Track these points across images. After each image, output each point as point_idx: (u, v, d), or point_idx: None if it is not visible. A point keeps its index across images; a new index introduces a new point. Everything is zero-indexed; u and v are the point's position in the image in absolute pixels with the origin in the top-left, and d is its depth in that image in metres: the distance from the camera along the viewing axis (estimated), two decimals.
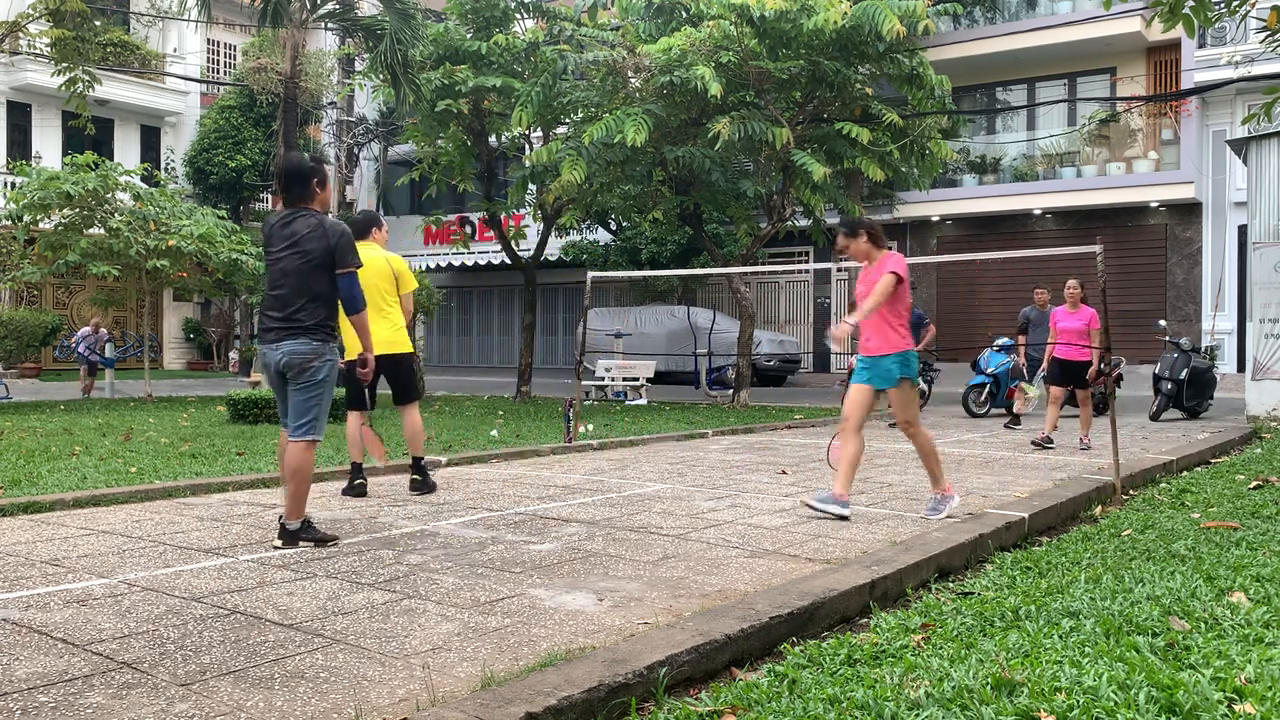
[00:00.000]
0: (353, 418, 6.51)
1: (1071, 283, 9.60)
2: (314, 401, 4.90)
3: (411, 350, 6.55)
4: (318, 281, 4.86)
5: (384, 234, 6.65)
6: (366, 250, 6.07)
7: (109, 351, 18.60)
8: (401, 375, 6.53)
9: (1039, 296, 12.83)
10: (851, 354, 7.64)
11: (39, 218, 16.07)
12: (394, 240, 30.71)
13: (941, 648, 3.29)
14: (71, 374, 23.09)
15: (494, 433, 10.74)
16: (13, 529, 5.37)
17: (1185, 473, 8.04)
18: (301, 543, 4.84)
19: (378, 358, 5.85)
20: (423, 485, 6.62)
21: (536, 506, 6.21)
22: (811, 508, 5.73)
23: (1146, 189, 20.93)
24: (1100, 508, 6.29)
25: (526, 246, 19.77)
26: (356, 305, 4.97)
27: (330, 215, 5.07)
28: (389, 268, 6.45)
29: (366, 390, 6.45)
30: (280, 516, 4.92)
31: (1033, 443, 9.68)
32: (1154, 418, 12.99)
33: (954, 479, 7.47)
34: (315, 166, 5.02)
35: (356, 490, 6.47)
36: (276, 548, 4.81)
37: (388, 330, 6.33)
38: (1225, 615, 3.58)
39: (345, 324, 5.70)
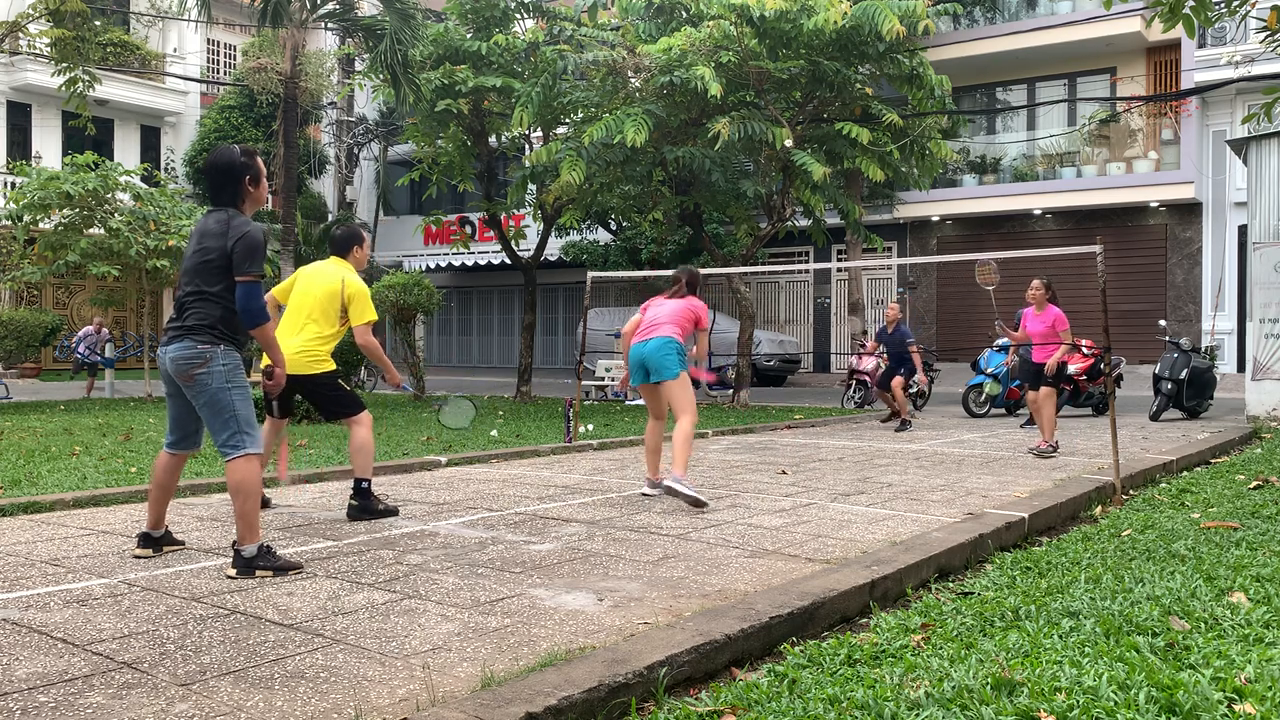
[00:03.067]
0: (268, 425, 5.89)
1: (1035, 282, 8.95)
2: (223, 410, 4.30)
3: (328, 370, 5.79)
4: (211, 282, 4.33)
5: (365, 252, 6.08)
6: (328, 267, 5.79)
7: (109, 351, 18.61)
8: (318, 395, 5.86)
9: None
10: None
11: (39, 218, 16.07)
12: (394, 240, 30.83)
13: (941, 648, 3.29)
14: (69, 375, 23.09)
15: (494, 433, 10.74)
16: (13, 529, 5.37)
17: (1185, 473, 8.04)
18: (259, 573, 4.24)
19: (291, 376, 5.33)
20: (360, 511, 5.69)
21: (536, 506, 6.21)
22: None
23: (1146, 189, 20.94)
24: (1100, 508, 6.29)
25: (526, 246, 19.77)
26: (253, 318, 4.35)
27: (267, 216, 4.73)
28: (340, 291, 5.79)
29: (276, 403, 5.87)
30: (234, 543, 4.37)
31: (1038, 453, 8.96)
32: (1154, 418, 12.99)
33: (954, 479, 7.47)
34: (246, 162, 4.44)
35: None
36: (230, 577, 4.23)
37: (295, 348, 5.65)
38: (1225, 615, 3.58)
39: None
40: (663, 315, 6.60)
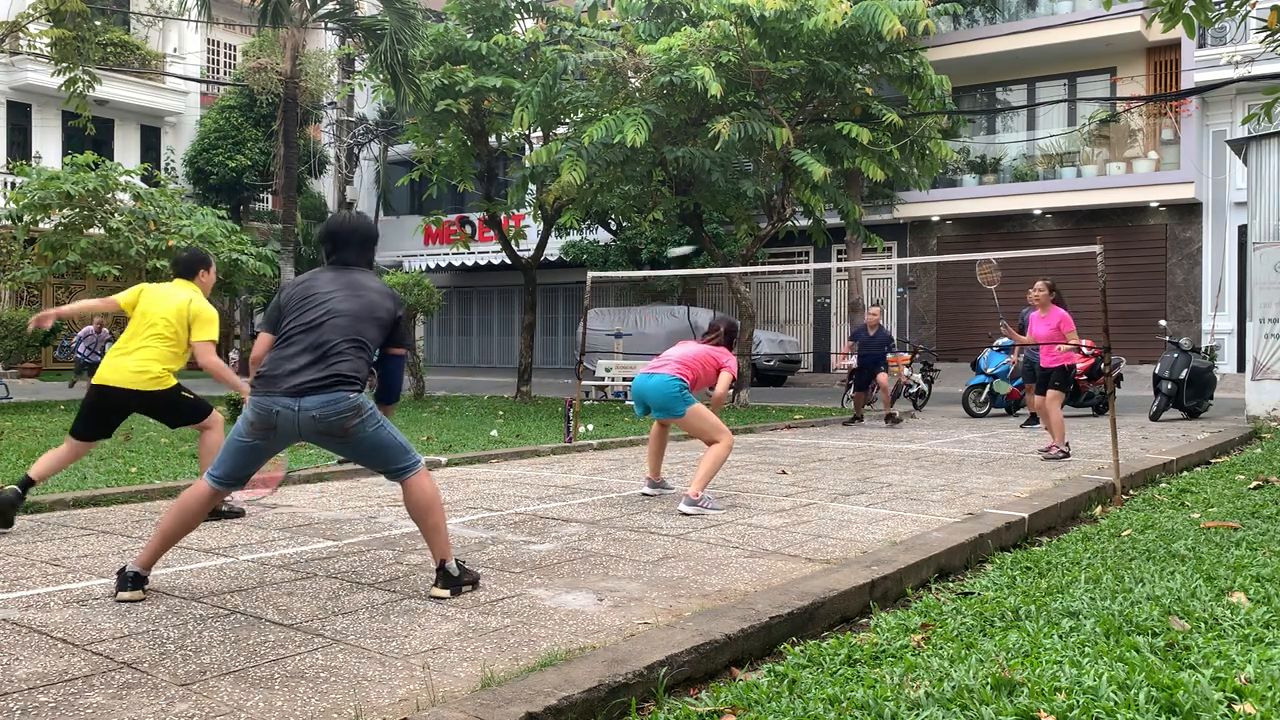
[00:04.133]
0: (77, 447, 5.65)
1: (1038, 284, 8.80)
2: (386, 447, 4.10)
3: (164, 388, 5.59)
4: (373, 336, 4.16)
5: (211, 276, 5.99)
6: (178, 289, 5.71)
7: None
8: (160, 410, 5.69)
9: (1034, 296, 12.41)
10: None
11: (39, 218, 16.08)
12: (394, 240, 30.83)
13: (941, 648, 3.29)
14: (69, 374, 23.08)
15: (494, 433, 10.74)
16: (13, 529, 5.37)
17: (1185, 473, 8.04)
18: (465, 587, 4.03)
19: (126, 391, 5.40)
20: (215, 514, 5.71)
21: (536, 506, 6.21)
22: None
23: (1146, 189, 20.94)
24: (1100, 508, 6.29)
25: (526, 246, 19.77)
26: (393, 395, 4.46)
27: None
28: (186, 311, 5.63)
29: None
30: (440, 562, 4.05)
31: (1047, 456, 8.76)
32: (1154, 418, 12.99)
33: (954, 479, 7.47)
34: (377, 233, 4.48)
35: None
36: (441, 598, 3.93)
37: (134, 364, 5.49)
38: (1225, 615, 3.58)
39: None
40: (675, 354, 6.40)
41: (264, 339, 4.17)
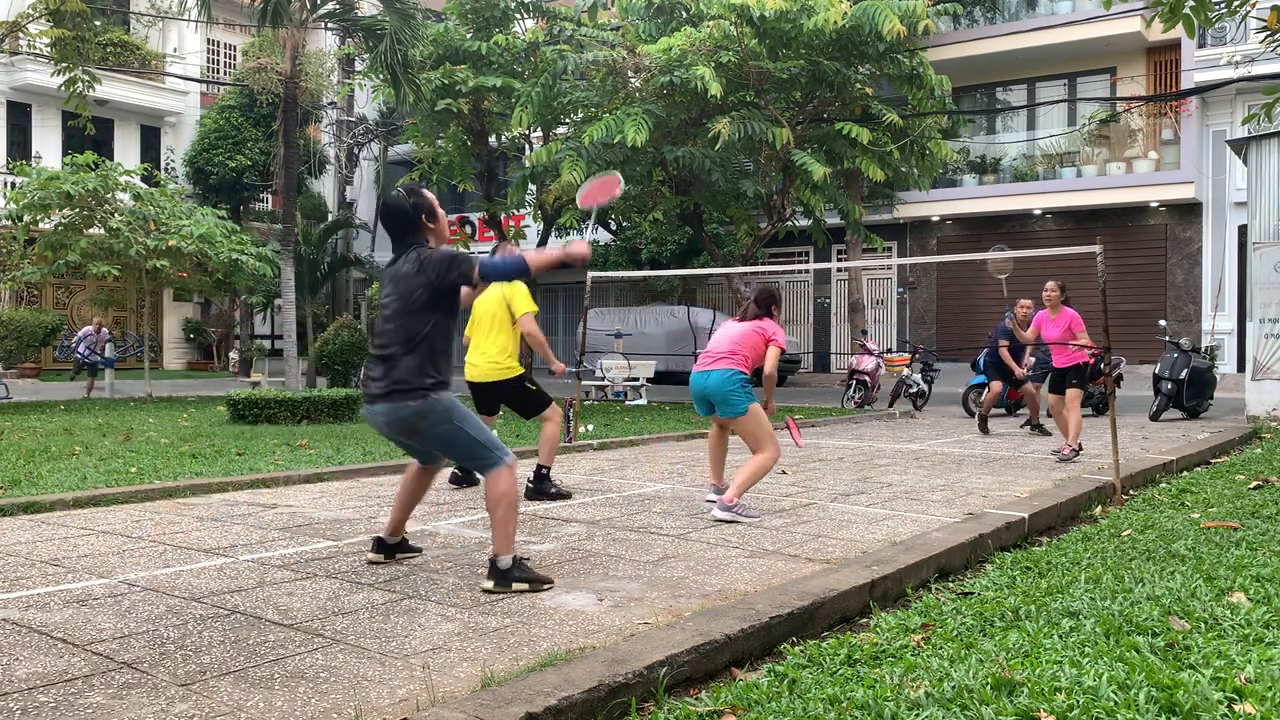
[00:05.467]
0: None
1: (1049, 285, 8.69)
2: (462, 446, 4.21)
3: (518, 374, 6.53)
4: (419, 323, 4.12)
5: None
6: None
7: (109, 351, 18.60)
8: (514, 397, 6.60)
9: (1020, 308, 11.23)
10: None
11: (39, 218, 16.08)
12: None
13: (941, 648, 3.29)
14: (69, 374, 23.08)
15: (493, 432, 10.73)
16: (13, 529, 5.37)
17: (1185, 473, 8.03)
18: (515, 584, 4.00)
19: (487, 384, 6.55)
20: (537, 493, 6.52)
21: (537, 506, 6.21)
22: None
23: (1146, 189, 20.94)
24: (1100, 508, 6.29)
25: (526, 246, 19.76)
26: (505, 271, 4.23)
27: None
28: (503, 296, 6.52)
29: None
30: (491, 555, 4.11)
31: (1061, 458, 8.56)
32: (1154, 418, 12.99)
33: (954, 479, 7.47)
34: (417, 203, 4.23)
35: None
36: (487, 590, 3.99)
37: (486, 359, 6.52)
38: (1225, 615, 3.58)
39: None
40: (724, 342, 6.03)
41: None
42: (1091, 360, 8.82)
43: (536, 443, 9.79)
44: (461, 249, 4.24)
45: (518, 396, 6.54)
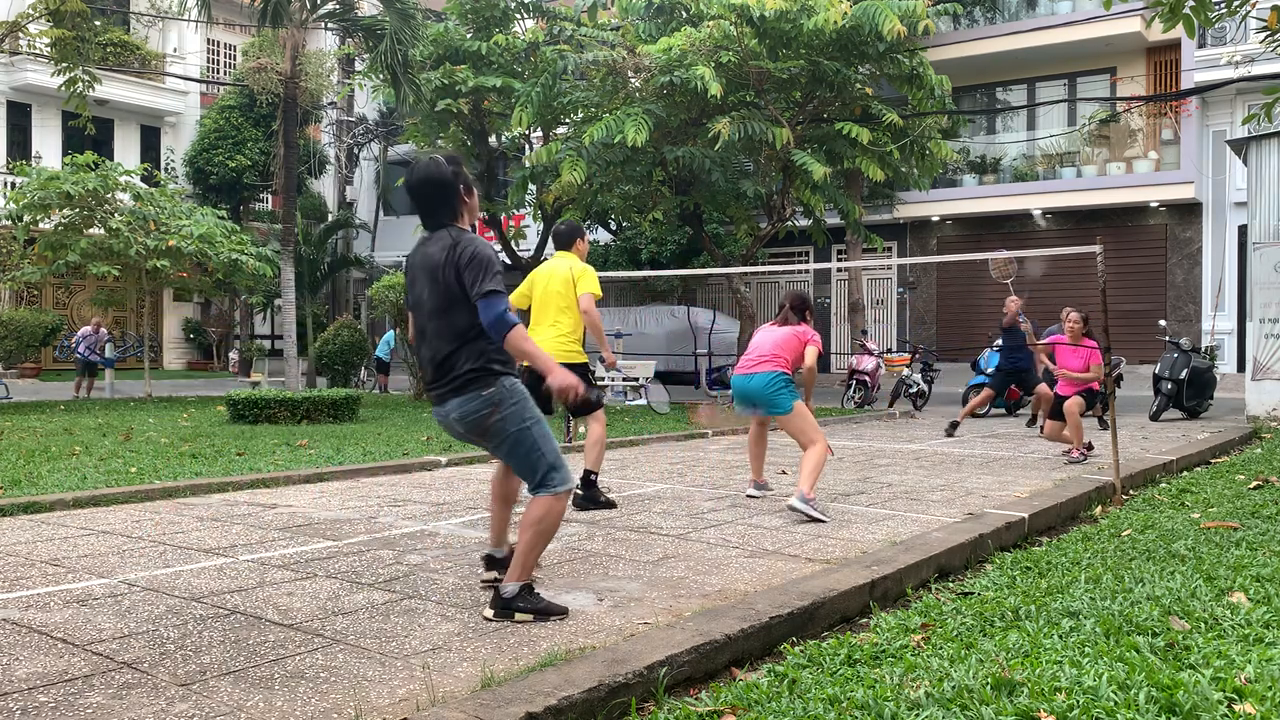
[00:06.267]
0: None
1: (1073, 316, 8.65)
2: (528, 450, 3.71)
3: (577, 363, 6.26)
4: (467, 317, 3.68)
5: (585, 245, 6.63)
6: (557, 262, 6.35)
7: (109, 351, 18.60)
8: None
9: (1010, 306, 11.31)
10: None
11: (39, 218, 16.09)
12: (394, 240, 30.81)
13: (941, 648, 3.29)
14: (71, 374, 23.09)
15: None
16: (13, 529, 5.37)
17: (1185, 473, 8.03)
18: (519, 615, 3.62)
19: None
20: (586, 501, 6.22)
21: None
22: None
23: (1146, 189, 20.92)
24: (1100, 508, 6.29)
25: (526, 246, 19.78)
26: (500, 329, 3.61)
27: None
28: (570, 275, 6.38)
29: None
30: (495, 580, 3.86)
31: (1070, 460, 8.58)
32: (1154, 418, 12.99)
33: (954, 479, 7.47)
34: (457, 171, 3.83)
35: None
36: (486, 619, 3.64)
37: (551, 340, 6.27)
38: (1225, 615, 3.58)
39: None
40: (766, 346, 6.26)
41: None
42: (1097, 387, 8.73)
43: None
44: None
45: None
